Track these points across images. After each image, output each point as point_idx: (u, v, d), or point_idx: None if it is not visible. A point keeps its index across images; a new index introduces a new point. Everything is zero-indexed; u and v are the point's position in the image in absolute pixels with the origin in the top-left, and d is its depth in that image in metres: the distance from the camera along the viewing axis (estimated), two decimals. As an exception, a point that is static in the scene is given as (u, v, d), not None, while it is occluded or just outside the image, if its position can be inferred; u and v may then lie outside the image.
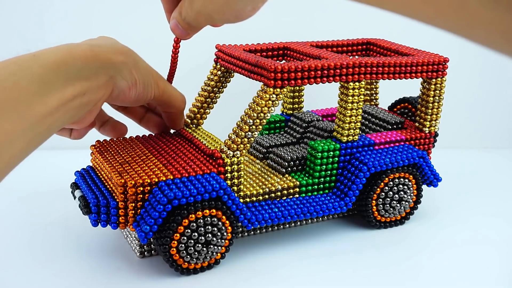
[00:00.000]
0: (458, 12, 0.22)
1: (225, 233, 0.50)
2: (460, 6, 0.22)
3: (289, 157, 0.58)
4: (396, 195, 0.59)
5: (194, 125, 0.61)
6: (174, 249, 0.48)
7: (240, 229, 0.56)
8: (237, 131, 0.51)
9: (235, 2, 0.37)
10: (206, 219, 0.48)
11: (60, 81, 0.40)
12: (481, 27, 0.22)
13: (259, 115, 0.50)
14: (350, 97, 0.55)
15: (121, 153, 0.53)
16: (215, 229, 0.49)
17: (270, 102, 0.50)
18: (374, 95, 0.72)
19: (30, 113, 0.37)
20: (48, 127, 0.39)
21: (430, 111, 0.61)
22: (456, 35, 0.23)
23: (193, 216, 0.48)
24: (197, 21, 0.43)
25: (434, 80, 0.60)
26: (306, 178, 0.57)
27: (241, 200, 0.53)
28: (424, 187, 0.63)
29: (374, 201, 0.58)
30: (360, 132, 0.63)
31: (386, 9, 0.25)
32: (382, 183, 0.58)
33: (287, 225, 0.59)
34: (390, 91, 0.73)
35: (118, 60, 0.45)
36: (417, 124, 0.63)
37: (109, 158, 0.52)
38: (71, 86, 0.41)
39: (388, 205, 0.59)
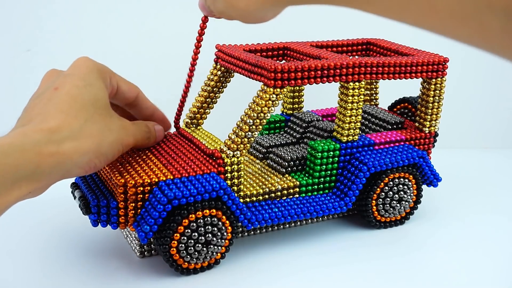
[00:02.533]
0: (481, 30, 0.23)
1: (225, 233, 0.50)
2: (480, 24, 0.22)
3: (289, 157, 0.58)
4: (396, 195, 0.59)
5: (194, 125, 0.61)
6: (174, 249, 0.48)
7: (240, 229, 0.56)
8: (237, 131, 0.51)
9: (256, 11, 0.36)
10: (206, 219, 0.48)
11: (5, 187, 0.36)
12: (498, 42, 0.22)
13: (259, 115, 0.50)
14: (350, 97, 0.55)
15: (121, 153, 0.53)
16: (215, 229, 0.49)
17: (270, 102, 0.50)
18: (374, 95, 0.72)
19: None
20: None
21: (430, 111, 0.61)
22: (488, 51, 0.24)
23: (193, 216, 0.48)
24: (219, 15, 0.42)
25: (434, 80, 0.60)
26: (306, 178, 0.57)
27: (241, 200, 0.53)
28: (424, 187, 0.63)
29: (374, 201, 0.58)
30: (360, 132, 0.63)
31: (416, 25, 0.26)
32: (382, 183, 0.58)
33: (287, 225, 0.59)
34: (390, 91, 0.73)
35: (77, 156, 0.41)
36: (417, 124, 0.63)
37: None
38: (17, 189, 0.38)
39: (388, 205, 0.59)
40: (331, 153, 0.56)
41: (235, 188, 0.52)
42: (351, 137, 0.57)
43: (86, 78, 0.45)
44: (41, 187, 0.40)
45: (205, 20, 0.53)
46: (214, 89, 0.60)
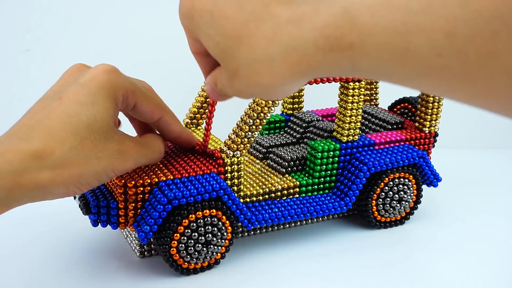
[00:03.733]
0: None
1: (225, 233, 0.50)
2: None
3: (289, 157, 0.58)
4: (396, 195, 0.59)
5: (194, 125, 0.61)
6: (174, 249, 0.48)
7: (240, 229, 0.56)
8: (237, 131, 0.51)
9: (281, 87, 0.32)
10: (206, 219, 0.48)
11: None
12: None
13: (259, 115, 0.50)
14: (350, 97, 0.55)
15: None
16: (215, 229, 0.49)
17: (270, 102, 0.50)
18: (374, 95, 0.72)
19: None
20: None
21: (430, 111, 0.61)
22: None
23: (193, 216, 0.48)
24: (236, 96, 0.37)
25: (434, 80, 0.59)
26: (306, 178, 0.57)
27: (241, 200, 0.53)
28: (424, 187, 0.63)
29: (374, 201, 0.58)
30: (360, 132, 0.63)
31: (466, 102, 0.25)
32: (382, 183, 0.58)
33: (287, 225, 0.59)
34: (390, 91, 0.73)
35: (52, 185, 0.40)
36: (417, 124, 0.63)
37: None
38: None
39: (388, 205, 0.59)
40: (331, 153, 0.56)
41: (235, 188, 0.52)
42: (351, 137, 0.57)
43: (93, 95, 0.43)
44: (9, 210, 0.40)
45: (213, 104, 0.49)
46: (214, 89, 0.60)
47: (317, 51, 0.28)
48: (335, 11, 0.26)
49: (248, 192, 0.53)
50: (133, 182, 0.47)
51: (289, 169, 0.58)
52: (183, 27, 0.37)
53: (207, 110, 0.61)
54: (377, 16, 0.25)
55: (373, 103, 0.72)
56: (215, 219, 0.49)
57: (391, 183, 0.58)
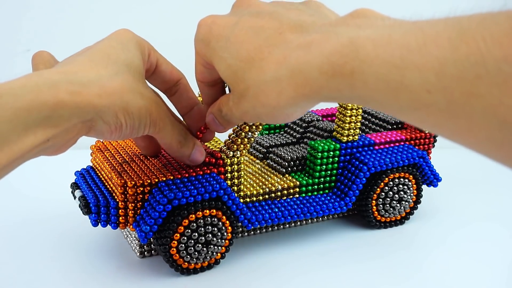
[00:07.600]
0: None
1: (225, 233, 0.50)
2: None
3: (289, 157, 0.58)
4: (396, 195, 0.59)
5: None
6: (174, 249, 0.48)
7: (240, 229, 0.56)
8: (237, 131, 0.51)
9: (286, 108, 0.33)
10: (206, 219, 0.48)
11: (16, 133, 0.32)
12: None
13: (259, 115, 0.50)
14: (350, 97, 0.55)
15: (121, 153, 0.53)
16: (215, 229, 0.49)
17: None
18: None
19: None
20: None
21: (430, 111, 0.61)
22: None
23: (193, 216, 0.48)
24: (240, 119, 0.38)
25: (434, 80, 0.60)
26: (306, 178, 0.57)
27: (241, 200, 0.53)
28: (424, 187, 0.63)
29: (374, 201, 0.58)
30: (360, 132, 0.63)
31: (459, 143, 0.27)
32: (382, 183, 0.58)
33: (287, 225, 0.59)
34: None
35: (101, 103, 0.36)
36: (417, 124, 0.63)
37: (109, 158, 0.52)
38: (32, 135, 0.33)
39: (388, 205, 0.59)
40: (331, 153, 0.56)
41: (235, 188, 0.52)
42: (351, 137, 0.57)
43: (124, 43, 0.41)
44: (61, 137, 0.35)
45: (203, 130, 0.46)
46: (214, 89, 0.60)
47: (320, 75, 0.30)
48: (342, 41, 0.29)
49: (248, 192, 0.53)
50: (133, 182, 0.47)
51: (289, 169, 0.58)
52: (196, 52, 0.39)
53: None
54: (378, 49, 0.27)
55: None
56: (215, 219, 0.49)
57: (391, 183, 0.58)
